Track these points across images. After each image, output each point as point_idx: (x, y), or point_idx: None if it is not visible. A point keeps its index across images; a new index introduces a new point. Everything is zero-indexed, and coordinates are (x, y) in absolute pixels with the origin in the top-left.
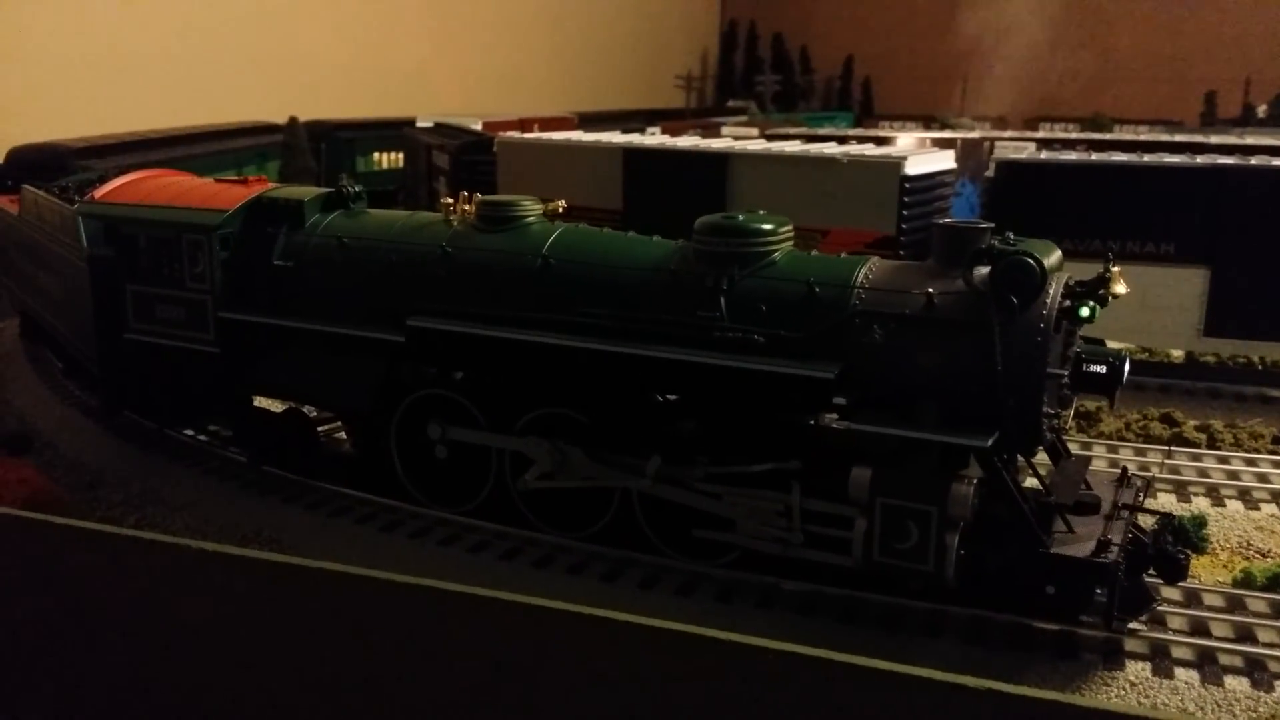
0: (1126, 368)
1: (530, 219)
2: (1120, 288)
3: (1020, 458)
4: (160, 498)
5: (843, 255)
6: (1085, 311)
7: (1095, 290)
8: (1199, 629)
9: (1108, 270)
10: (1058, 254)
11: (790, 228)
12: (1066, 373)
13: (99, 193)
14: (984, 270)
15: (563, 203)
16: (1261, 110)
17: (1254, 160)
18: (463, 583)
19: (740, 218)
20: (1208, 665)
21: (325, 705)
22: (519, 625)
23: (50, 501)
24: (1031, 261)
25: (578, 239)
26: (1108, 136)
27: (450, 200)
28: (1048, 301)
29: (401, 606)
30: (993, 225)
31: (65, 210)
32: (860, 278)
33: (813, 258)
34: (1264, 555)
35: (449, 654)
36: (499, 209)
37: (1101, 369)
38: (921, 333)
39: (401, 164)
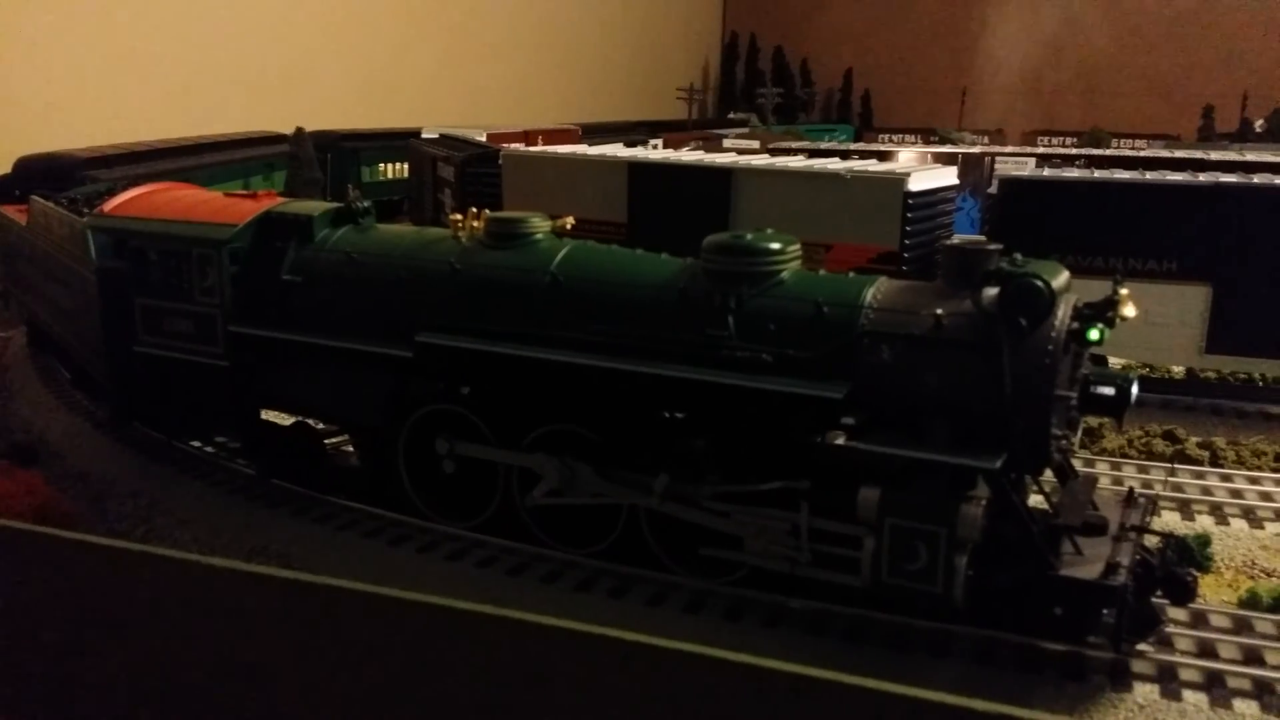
0: (1135, 390)
1: (539, 235)
2: (1129, 310)
3: (1027, 478)
4: (168, 510)
5: (851, 274)
6: (1094, 334)
7: (1104, 312)
8: (1206, 650)
9: (1116, 292)
10: (1065, 275)
11: (798, 247)
12: (1075, 395)
13: (108, 206)
14: (992, 291)
15: (571, 219)
16: (1259, 125)
17: (1256, 178)
18: (470, 598)
19: (749, 237)
20: (1216, 688)
21: None
22: (526, 643)
23: (58, 513)
24: (1040, 283)
25: (586, 256)
26: (1108, 152)
27: (459, 216)
28: (1056, 323)
29: (410, 624)
30: (1001, 247)
31: (74, 222)
32: (869, 298)
33: (821, 277)
34: (1269, 574)
35: (456, 671)
36: (507, 226)
37: (1110, 391)
38: (930, 353)
39: (407, 175)
